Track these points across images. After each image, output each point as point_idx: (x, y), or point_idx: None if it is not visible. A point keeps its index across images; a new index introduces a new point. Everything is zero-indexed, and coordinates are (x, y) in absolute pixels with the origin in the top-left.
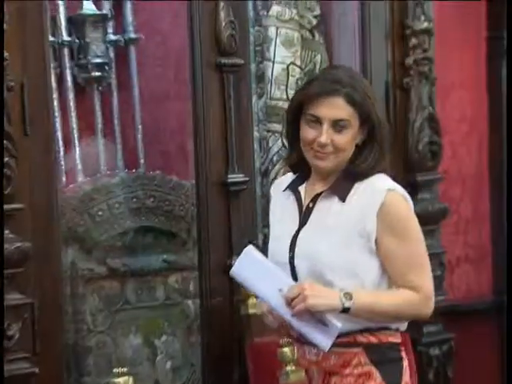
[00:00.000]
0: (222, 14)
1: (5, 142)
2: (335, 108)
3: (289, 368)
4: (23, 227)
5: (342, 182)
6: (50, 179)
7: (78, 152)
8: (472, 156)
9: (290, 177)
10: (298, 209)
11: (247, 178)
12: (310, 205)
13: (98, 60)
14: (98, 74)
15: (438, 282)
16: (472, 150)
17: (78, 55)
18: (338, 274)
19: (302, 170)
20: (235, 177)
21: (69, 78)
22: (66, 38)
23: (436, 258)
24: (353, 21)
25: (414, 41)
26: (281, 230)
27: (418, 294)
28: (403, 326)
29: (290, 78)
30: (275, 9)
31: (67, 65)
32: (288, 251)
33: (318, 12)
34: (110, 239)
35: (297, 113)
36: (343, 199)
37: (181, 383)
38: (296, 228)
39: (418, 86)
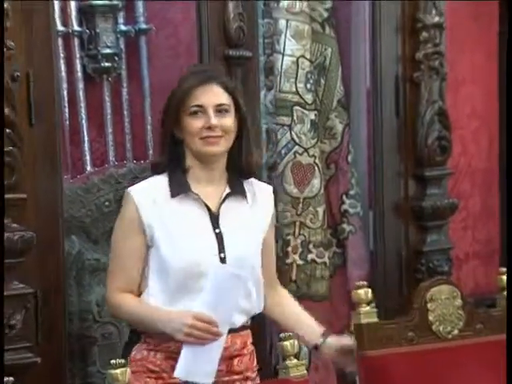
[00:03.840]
0: (231, 6)
1: (8, 131)
2: (215, 95)
3: (289, 362)
4: (26, 217)
5: (236, 182)
6: (54, 169)
7: (86, 142)
8: (482, 151)
9: (153, 182)
10: (205, 213)
11: None
12: (217, 207)
13: (108, 50)
14: (107, 64)
15: (446, 277)
16: (482, 146)
17: (88, 45)
18: (259, 274)
19: (171, 170)
20: None
21: (78, 69)
22: (76, 27)
23: (443, 253)
24: (363, 14)
25: (424, 35)
26: (190, 238)
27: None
28: None
29: (300, 70)
30: (285, 1)
31: (77, 55)
32: (215, 256)
33: (329, 5)
34: None
35: (176, 113)
36: (247, 201)
37: None
38: (209, 233)
39: (428, 80)
